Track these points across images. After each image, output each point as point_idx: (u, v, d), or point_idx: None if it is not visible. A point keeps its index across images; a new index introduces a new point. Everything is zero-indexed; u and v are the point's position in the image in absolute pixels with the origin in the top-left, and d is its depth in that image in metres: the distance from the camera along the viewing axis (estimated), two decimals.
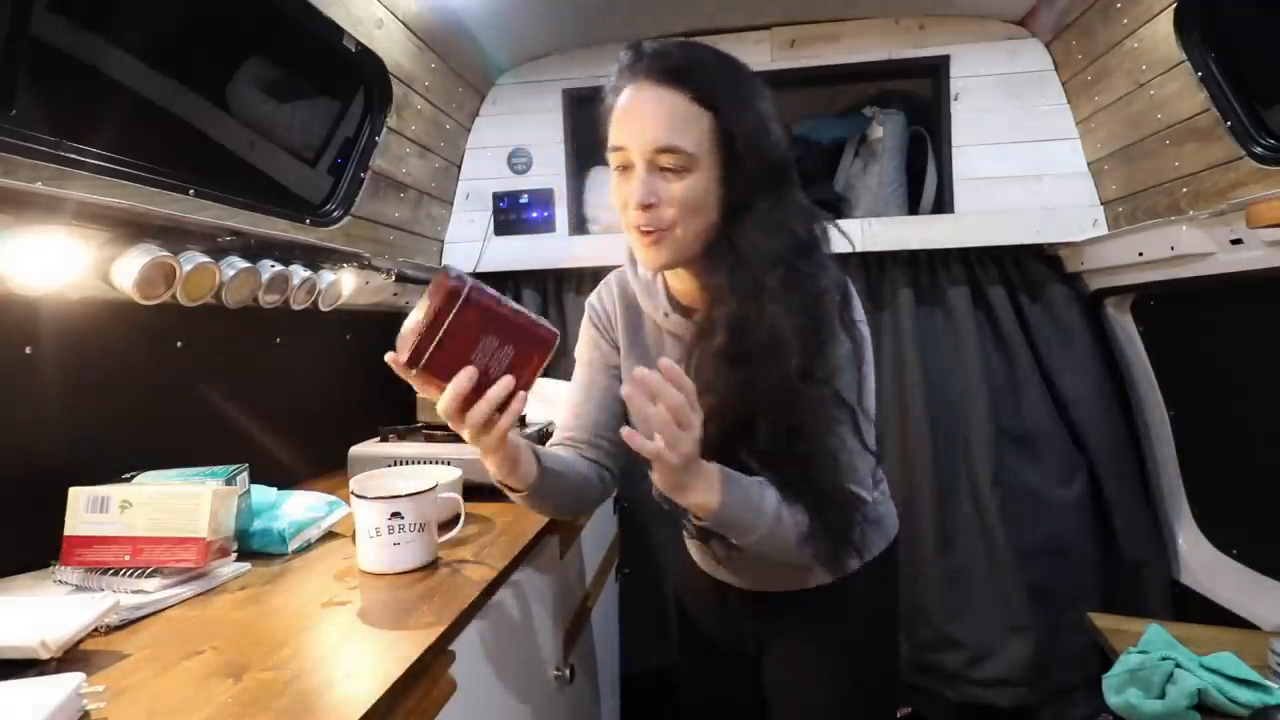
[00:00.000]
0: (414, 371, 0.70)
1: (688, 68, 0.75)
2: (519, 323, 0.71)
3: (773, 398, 0.76)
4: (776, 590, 0.97)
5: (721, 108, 0.74)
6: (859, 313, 0.83)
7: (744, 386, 0.76)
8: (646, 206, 0.76)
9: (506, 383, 0.70)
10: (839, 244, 0.84)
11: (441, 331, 0.68)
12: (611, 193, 0.81)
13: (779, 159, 0.78)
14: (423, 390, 0.72)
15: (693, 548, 1.06)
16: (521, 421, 1.46)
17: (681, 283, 0.87)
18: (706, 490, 0.72)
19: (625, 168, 0.78)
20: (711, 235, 0.78)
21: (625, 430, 0.67)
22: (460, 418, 0.70)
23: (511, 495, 0.83)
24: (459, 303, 0.68)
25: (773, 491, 0.77)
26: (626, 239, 0.83)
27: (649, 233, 0.77)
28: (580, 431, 0.95)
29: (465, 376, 0.69)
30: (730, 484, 0.74)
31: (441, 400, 0.70)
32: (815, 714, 0.97)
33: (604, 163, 0.82)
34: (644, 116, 0.75)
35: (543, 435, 1.45)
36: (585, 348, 1.02)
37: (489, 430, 0.71)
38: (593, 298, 1.02)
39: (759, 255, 0.75)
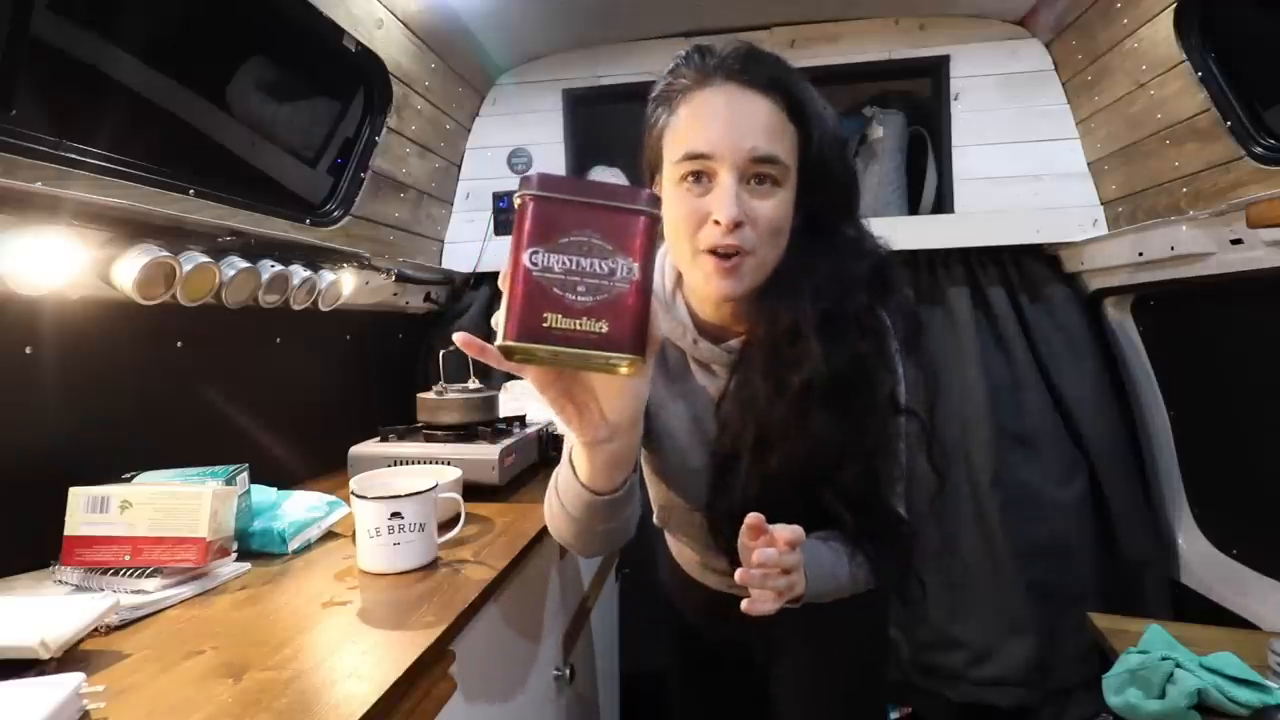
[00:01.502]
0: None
1: (779, 75, 0.68)
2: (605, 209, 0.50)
3: (862, 436, 0.71)
4: None
5: (807, 123, 0.68)
6: (920, 329, 0.80)
7: (831, 426, 0.69)
8: (737, 225, 0.65)
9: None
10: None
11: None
12: (669, 206, 0.69)
13: (852, 182, 0.74)
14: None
15: (689, 563, 1.01)
16: (521, 421, 1.46)
17: (707, 305, 0.77)
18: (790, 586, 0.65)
19: (698, 177, 0.67)
20: (778, 263, 0.70)
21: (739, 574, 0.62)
22: None
23: (595, 497, 0.66)
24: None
25: (838, 550, 0.75)
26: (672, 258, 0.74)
27: (729, 256, 0.67)
28: None
29: None
30: (809, 569, 0.68)
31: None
32: (819, 714, 0.97)
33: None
34: (738, 121, 0.66)
35: (544, 436, 1.45)
36: None
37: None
38: None
39: (842, 283, 0.69)
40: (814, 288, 0.69)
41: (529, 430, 1.41)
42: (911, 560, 0.79)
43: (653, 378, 0.75)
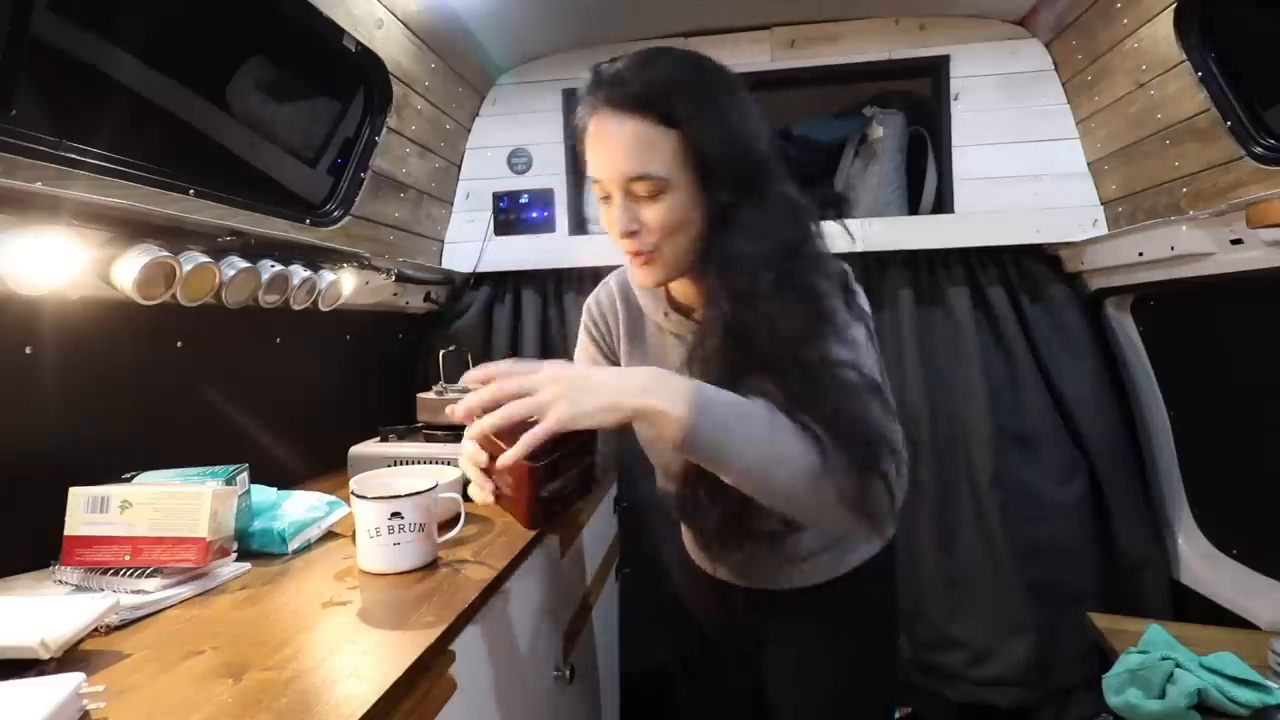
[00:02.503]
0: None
1: (645, 93, 0.72)
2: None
3: (807, 381, 0.70)
4: (774, 588, 0.97)
5: (685, 125, 0.72)
6: (862, 299, 0.81)
7: (754, 390, 0.71)
8: (629, 234, 0.76)
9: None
10: (837, 238, 0.81)
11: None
12: (601, 218, 0.81)
13: (755, 161, 0.76)
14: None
15: (691, 546, 1.07)
16: None
17: (679, 284, 0.87)
18: (664, 398, 0.63)
19: (606, 197, 0.78)
20: (702, 244, 0.77)
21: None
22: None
23: None
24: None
25: (766, 403, 0.67)
26: None
27: (638, 255, 0.78)
28: None
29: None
30: (701, 390, 0.65)
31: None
32: (809, 712, 0.98)
33: None
34: (611, 148, 0.74)
35: None
36: (581, 353, 1.03)
37: None
38: (590, 303, 1.02)
39: (747, 260, 0.73)
40: (720, 269, 0.76)
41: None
42: (878, 467, 0.65)
43: (631, 350, 0.96)
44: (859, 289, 0.82)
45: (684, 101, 0.72)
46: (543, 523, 0.71)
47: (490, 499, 0.72)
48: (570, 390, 0.63)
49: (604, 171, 0.75)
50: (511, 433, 0.63)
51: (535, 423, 0.62)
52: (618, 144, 0.73)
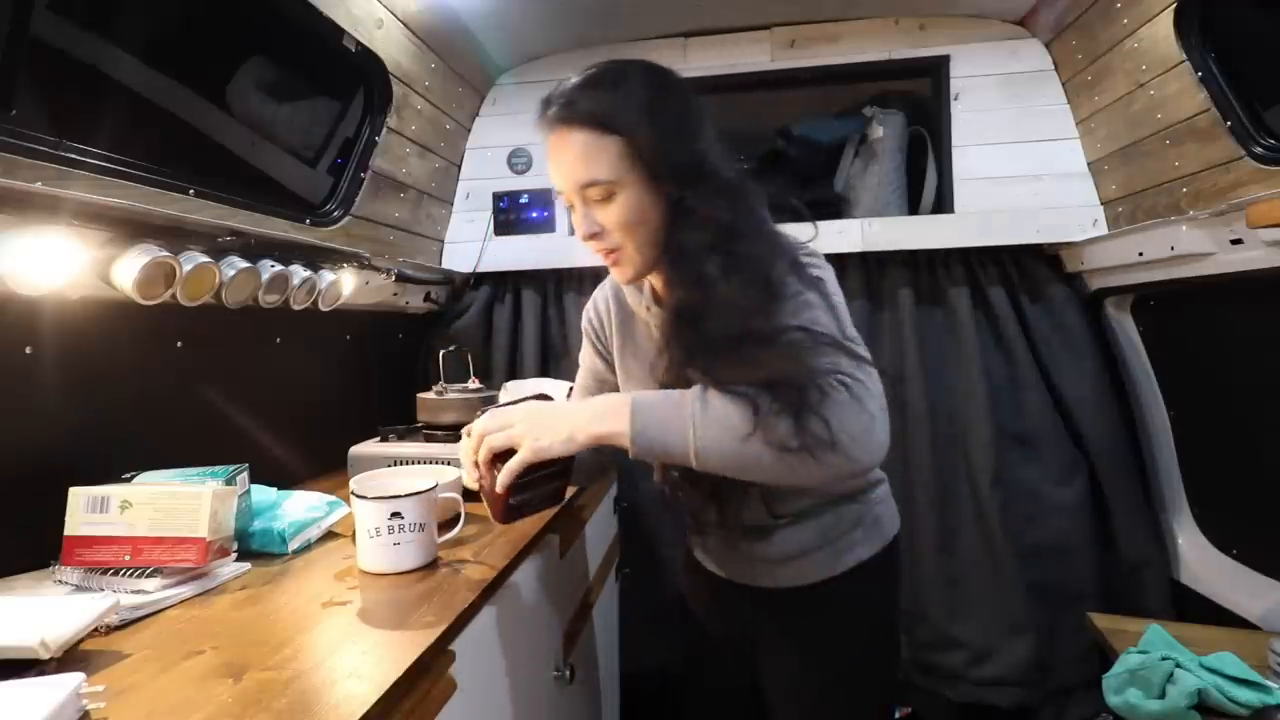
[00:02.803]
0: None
1: (586, 106, 0.80)
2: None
3: (728, 361, 0.74)
4: (772, 586, 0.97)
5: (622, 130, 0.78)
6: (817, 270, 0.83)
7: (709, 370, 0.76)
8: (591, 236, 0.83)
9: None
10: (804, 232, 0.87)
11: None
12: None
13: (693, 155, 0.80)
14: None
15: (694, 544, 1.08)
16: None
17: (656, 278, 0.92)
18: (610, 421, 0.73)
19: (570, 206, 0.85)
20: (663, 237, 0.83)
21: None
22: None
23: None
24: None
25: (701, 386, 0.73)
26: None
27: (608, 255, 0.85)
28: None
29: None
30: (637, 401, 0.74)
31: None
32: (807, 713, 0.98)
33: None
34: (562, 161, 0.82)
35: None
36: (583, 354, 1.10)
37: None
38: (588, 307, 1.09)
39: (694, 248, 0.79)
40: (671, 258, 0.82)
41: None
42: (810, 404, 0.67)
43: (622, 345, 1.02)
44: (814, 261, 0.85)
45: (620, 109, 0.79)
46: (511, 521, 0.85)
47: (475, 486, 0.84)
48: (535, 427, 0.76)
49: (561, 182, 0.84)
50: (500, 457, 0.79)
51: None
52: (568, 156, 0.82)
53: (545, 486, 0.86)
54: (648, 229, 0.82)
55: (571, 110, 0.81)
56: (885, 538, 0.98)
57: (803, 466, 0.68)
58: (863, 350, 0.76)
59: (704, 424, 0.70)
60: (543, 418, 0.78)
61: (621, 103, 0.80)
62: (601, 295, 1.06)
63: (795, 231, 0.89)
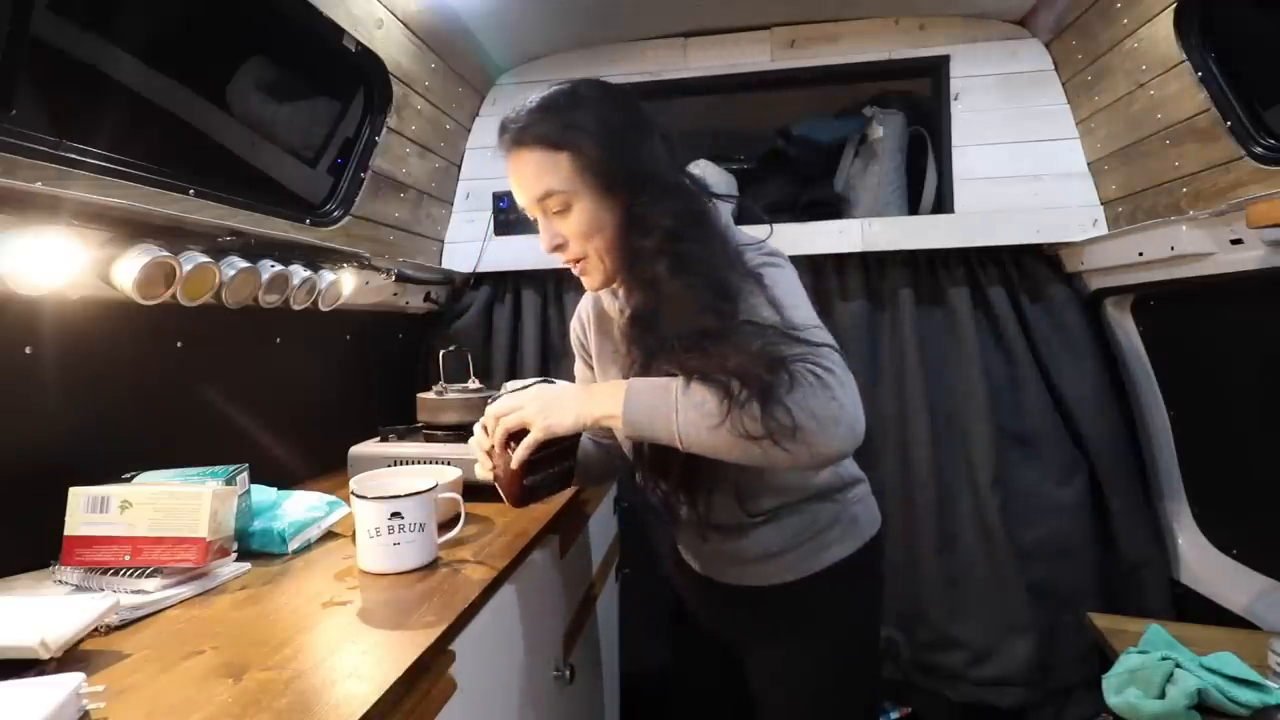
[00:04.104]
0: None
1: (536, 127, 0.84)
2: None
3: (688, 360, 0.77)
4: (751, 585, 0.98)
5: (568, 145, 0.83)
6: (763, 265, 0.84)
7: (666, 366, 0.79)
8: (555, 248, 0.88)
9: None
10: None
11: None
12: None
13: (634, 164, 0.84)
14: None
15: (678, 540, 1.09)
16: None
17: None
18: (607, 404, 0.78)
19: (534, 220, 0.89)
20: (622, 243, 0.86)
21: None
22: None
23: None
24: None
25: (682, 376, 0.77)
26: None
27: (574, 264, 0.90)
28: None
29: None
30: (630, 386, 0.78)
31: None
32: (789, 710, 0.99)
33: None
34: (519, 179, 0.87)
35: None
36: (576, 366, 1.15)
37: None
38: (574, 317, 1.12)
39: (645, 252, 0.82)
40: (626, 262, 0.86)
41: None
42: (770, 393, 0.70)
43: (600, 349, 1.05)
44: (767, 260, 0.86)
45: (565, 127, 0.84)
46: (526, 504, 0.90)
47: (490, 477, 0.89)
48: (546, 407, 0.83)
49: (521, 198, 0.88)
50: (514, 438, 0.85)
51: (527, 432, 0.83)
52: (525, 173, 0.86)
53: (556, 467, 0.91)
54: (605, 236, 0.86)
55: (525, 133, 0.85)
56: (863, 537, 0.98)
57: (774, 450, 0.71)
58: (820, 336, 0.78)
59: (684, 409, 0.74)
60: (551, 399, 0.84)
61: (570, 120, 0.84)
62: (583, 305, 1.10)
63: (754, 231, 0.93)
